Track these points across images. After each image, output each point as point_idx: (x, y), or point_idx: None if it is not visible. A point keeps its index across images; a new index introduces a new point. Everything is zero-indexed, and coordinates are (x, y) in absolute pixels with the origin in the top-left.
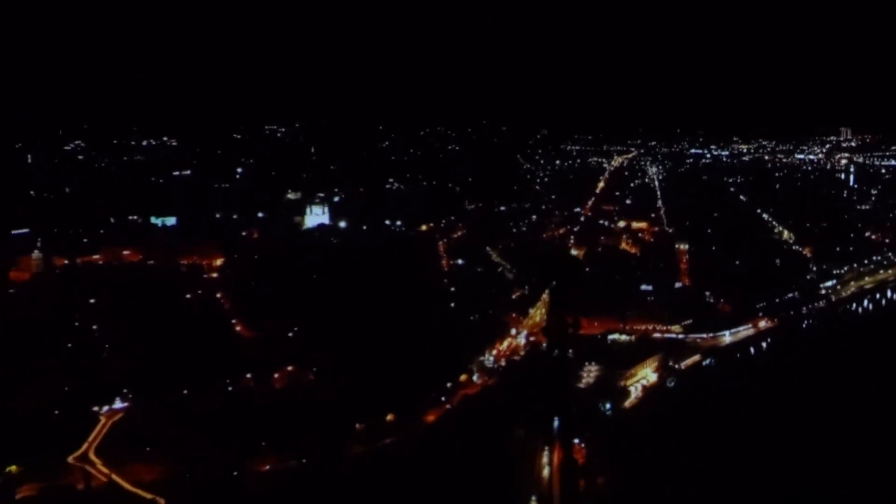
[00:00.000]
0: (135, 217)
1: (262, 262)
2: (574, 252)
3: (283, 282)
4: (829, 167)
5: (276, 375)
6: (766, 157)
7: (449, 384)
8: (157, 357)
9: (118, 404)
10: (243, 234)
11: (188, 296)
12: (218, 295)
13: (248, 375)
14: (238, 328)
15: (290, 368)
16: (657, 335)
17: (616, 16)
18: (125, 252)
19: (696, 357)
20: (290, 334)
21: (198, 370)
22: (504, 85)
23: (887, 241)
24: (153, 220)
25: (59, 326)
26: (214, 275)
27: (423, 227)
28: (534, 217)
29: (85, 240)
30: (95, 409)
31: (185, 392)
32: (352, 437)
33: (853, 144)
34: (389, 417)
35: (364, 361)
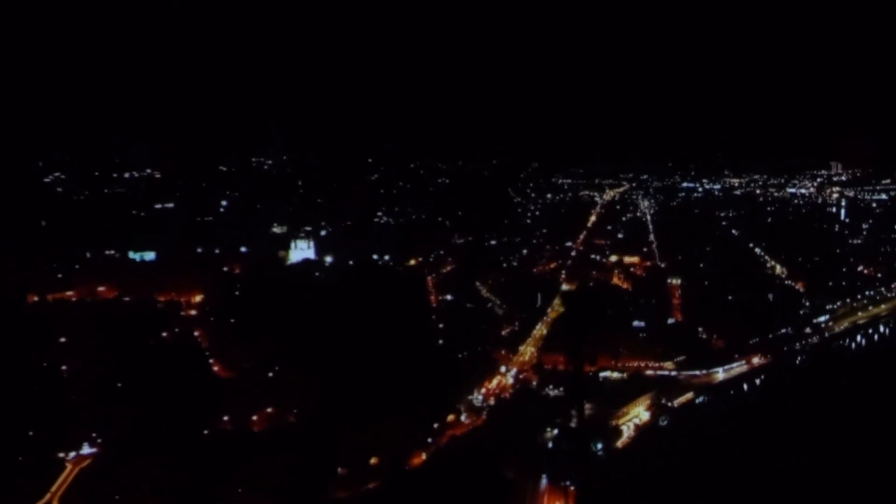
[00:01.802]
0: (112, 252)
1: (242, 299)
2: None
3: (264, 319)
4: (820, 201)
5: (254, 418)
6: (758, 191)
7: (436, 424)
8: (129, 399)
9: (86, 450)
10: (225, 269)
11: (164, 334)
12: (196, 333)
13: (226, 418)
14: (216, 368)
15: (269, 410)
16: (650, 372)
17: (608, 50)
18: (100, 288)
19: (689, 395)
20: (271, 374)
21: (172, 413)
22: (495, 118)
23: (879, 275)
24: (131, 254)
25: (26, 366)
26: (193, 312)
27: (412, 262)
28: (524, 251)
29: (59, 276)
30: (62, 454)
31: (159, 436)
32: (334, 482)
33: (844, 178)
34: (374, 461)
35: (348, 402)
